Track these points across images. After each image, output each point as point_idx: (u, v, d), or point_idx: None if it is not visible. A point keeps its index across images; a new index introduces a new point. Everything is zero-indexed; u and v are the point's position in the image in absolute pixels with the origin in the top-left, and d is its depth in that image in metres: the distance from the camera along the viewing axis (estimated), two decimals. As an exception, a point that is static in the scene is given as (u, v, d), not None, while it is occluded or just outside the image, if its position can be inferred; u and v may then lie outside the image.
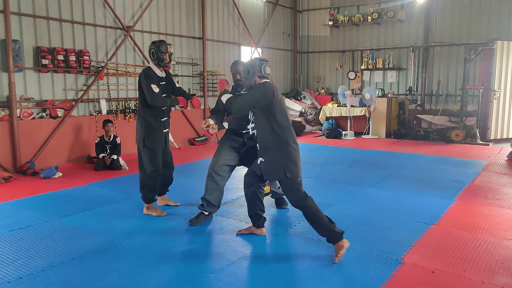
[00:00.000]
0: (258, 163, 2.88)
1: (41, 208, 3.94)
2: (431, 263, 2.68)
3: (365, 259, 2.71)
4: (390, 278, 2.46)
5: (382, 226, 3.39)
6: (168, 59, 3.58)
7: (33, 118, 5.81)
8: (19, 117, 5.60)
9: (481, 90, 8.10)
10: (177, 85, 3.86)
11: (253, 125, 3.02)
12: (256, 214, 3.08)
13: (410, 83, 9.57)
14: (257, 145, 2.96)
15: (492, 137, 8.31)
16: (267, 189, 3.83)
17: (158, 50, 3.53)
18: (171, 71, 7.64)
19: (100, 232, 3.28)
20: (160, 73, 3.62)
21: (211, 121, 3.20)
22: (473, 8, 8.76)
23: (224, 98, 2.99)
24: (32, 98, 5.79)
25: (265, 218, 3.18)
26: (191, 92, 8.16)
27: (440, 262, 2.68)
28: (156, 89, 3.47)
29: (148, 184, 3.63)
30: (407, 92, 9.55)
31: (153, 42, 3.62)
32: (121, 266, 2.68)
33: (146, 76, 3.50)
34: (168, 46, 3.57)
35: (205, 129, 3.17)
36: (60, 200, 4.26)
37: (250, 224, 3.21)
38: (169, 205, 3.93)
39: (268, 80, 2.91)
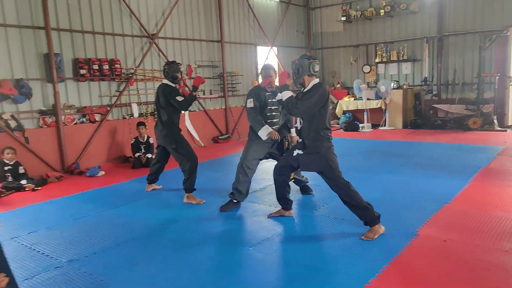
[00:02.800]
0: (295, 155, 3.17)
1: (94, 201, 4.49)
2: (443, 234, 3.03)
3: (384, 233, 3.06)
4: (406, 246, 2.84)
5: (399, 206, 3.74)
6: (180, 77, 4.23)
7: (75, 123, 6.43)
8: (64, 123, 6.23)
9: (497, 77, 8.22)
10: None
11: (298, 124, 3.21)
12: (284, 198, 3.50)
13: (425, 74, 9.73)
14: (298, 139, 3.22)
15: (510, 123, 8.42)
16: (292, 175, 4.18)
17: (172, 70, 4.18)
18: (193, 74, 8.16)
19: (149, 219, 3.78)
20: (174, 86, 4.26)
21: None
22: (486, -4, 8.85)
23: (285, 95, 3.04)
24: (73, 105, 6.41)
25: (292, 200, 3.59)
26: (212, 93, 8.68)
27: (451, 233, 3.03)
28: (180, 98, 4.12)
29: (194, 172, 4.17)
30: (423, 83, 9.71)
31: (167, 63, 4.29)
32: (172, 244, 3.15)
33: (169, 93, 4.13)
34: (180, 66, 4.23)
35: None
36: (108, 194, 4.81)
37: (279, 207, 3.63)
38: (155, 189, 4.81)
39: (318, 80, 3.07)
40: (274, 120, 3.81)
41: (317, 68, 3.06)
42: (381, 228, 3.04)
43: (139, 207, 4.18)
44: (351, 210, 3.09)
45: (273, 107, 3.78)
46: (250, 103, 3.73)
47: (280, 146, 3.86)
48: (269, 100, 3.77)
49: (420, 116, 9.44)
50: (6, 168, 5.19)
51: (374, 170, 5.23)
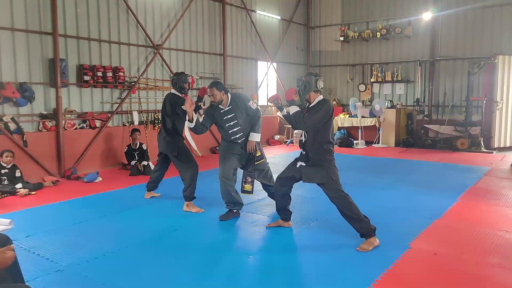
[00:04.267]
0: (297, 166, 3.29)
1: (93, 206, 4.52)
2: (434, 247, 3.19)
3: (378, 246, 3.20)
4: (399, 258, 2.98)
5: (392, 220, 3.90)
6: (187, 88, 4.38)
7: (75, 128, 6.50)
8: (64, 127, 6.28)
9: (484, 101, 8.59)
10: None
11: (302, 137, 3.29)
12: (284, 208, 3.61)
13: (418, 95, 10.09)
14: (302, 151, 3.29)
15: (495, 146, 8.76)
16: (248, 187, 3.96)
17: (180, 81, 4.33)
18: (195, 85, 8.33)
19: (149, 225, 3.83)
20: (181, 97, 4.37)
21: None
22: (476, 24, 9.31)
23: (292, 110, 3.22)
24: (74, 110, 6.49)
25: (291, 212, 3.71)
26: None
27: (441, 247, 3.19)
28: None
29: (194, 180, 4.26)
30: (415, 104, 10.06)
31: (175, 74, 4.45)
32: (175, 251, 3.22)
33: (176, 102, 4.25)
34: (188, 78, 4.38)
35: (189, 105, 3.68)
36: (107, 200, 4.84)
37: (278, 218, 3.74)
38: (154, 196, 4.88)
39: (322, 96, 3.24)
40: (237, 134, 3.86)
41: (322, 85, 3.24)
42: (376, 241, 3.18)
43: (138, 214, 4.23)
44: (348, 222, 3.22)
45: (231, 123, 3.85)
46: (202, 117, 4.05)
47: (249, 157, 3.89)
48: (224, 118, 3.86)
49: (412, 135, 9.74)
50: (2, 171, 5.13)
51: (369, 186, 5.40)
